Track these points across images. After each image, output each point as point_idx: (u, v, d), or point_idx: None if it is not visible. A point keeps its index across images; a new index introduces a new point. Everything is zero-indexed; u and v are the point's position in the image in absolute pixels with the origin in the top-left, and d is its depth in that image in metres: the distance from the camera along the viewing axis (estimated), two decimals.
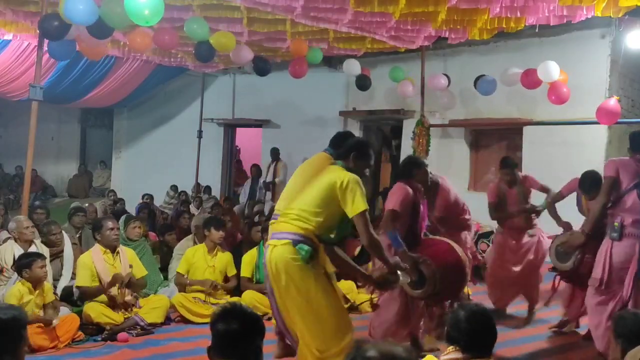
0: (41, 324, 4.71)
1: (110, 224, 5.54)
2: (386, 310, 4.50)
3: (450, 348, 2.78)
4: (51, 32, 5.83)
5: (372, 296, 4.44)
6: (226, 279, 6.13)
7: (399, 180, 4.57)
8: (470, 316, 2.80)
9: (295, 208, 3.62)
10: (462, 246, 4.91)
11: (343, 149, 3.86)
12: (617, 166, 4.38)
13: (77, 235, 6.57)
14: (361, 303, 6.01)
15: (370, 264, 4.73)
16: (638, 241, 4.25)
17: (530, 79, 7.68)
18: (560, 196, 5.68)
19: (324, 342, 3.49)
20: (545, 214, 5.83)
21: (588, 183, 5.08)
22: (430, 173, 4.99)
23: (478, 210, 8.35)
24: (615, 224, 4.30)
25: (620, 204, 4.32)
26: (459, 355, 2.74)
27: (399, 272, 3.80)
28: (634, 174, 4.31)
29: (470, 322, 2.77)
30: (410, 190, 4.43)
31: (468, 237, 5.57)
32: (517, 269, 5.72)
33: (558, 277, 5.16)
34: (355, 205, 3.50)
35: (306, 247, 3.47)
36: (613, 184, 4.34)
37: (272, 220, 4.22)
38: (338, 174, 3.59)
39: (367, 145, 3.92)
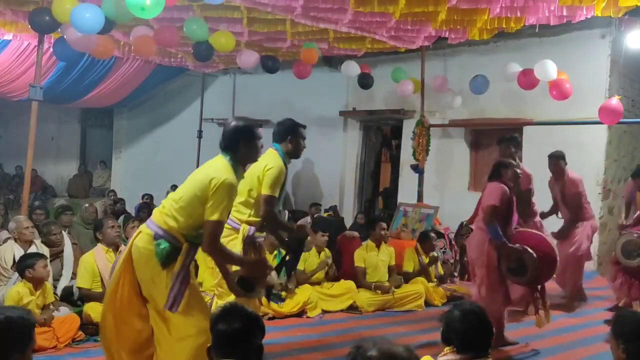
0: (39, 325, 4.70)
1: (110, 222, 5.61)
2: (492, 298, 4.86)
3: (447, 349, 2.77)
4: (41, 26, 5.82)
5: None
6: None
7: (491, 181, 5.05)
8: (464, 315, 2.79)
9: (170, 201, 3.47)
10: (540, 230, 5.73)
11: (279, 132, 4.03)
12: None
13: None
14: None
15: None
16: None
17: (527, 79, 7.69)
18: (627, 206, 6.62)
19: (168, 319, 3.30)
20: None
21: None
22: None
23: None
24: None
25: None
26: (455, 356, 2.72)
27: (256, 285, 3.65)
28: None
29: (464, 322, 2.76)
30: (507, 188, 4.93)
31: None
32: None
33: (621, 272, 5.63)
34: (211, 211, 3.27)
35: (163, 245, 3.31)
36: None
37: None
38: (215, 171, 3.33)
39: (298, 125, 4.19)
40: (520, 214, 5.57)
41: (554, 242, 5.23)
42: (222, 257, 3.56)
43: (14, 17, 6.82)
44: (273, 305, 5.89)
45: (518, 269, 4.86)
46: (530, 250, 4.79)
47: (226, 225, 3.86)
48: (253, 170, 4.15)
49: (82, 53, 7.43)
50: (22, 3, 6.59)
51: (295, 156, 4.45)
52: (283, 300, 6.02)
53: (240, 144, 3.46)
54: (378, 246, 6.75)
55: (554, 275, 6.03)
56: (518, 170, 5.15)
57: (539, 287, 5.05)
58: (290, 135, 4.34)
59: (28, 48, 8.76)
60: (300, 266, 6.41)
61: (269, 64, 8.18)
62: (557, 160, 6.55)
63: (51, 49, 7.38)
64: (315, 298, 6.13)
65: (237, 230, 4.13)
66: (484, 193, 5.12)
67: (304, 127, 4.44)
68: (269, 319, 5.70)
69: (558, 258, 5.04)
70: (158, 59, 9.79)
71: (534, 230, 5.36)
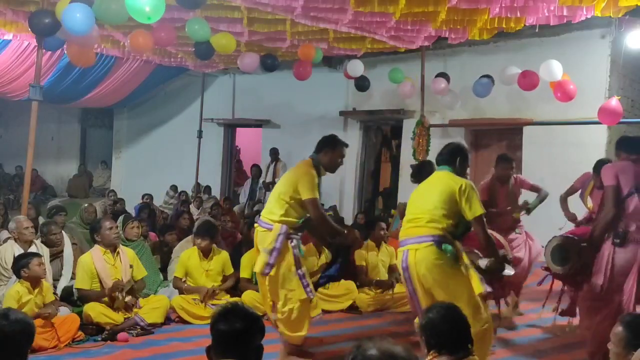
0: (42, 321, 4.71)
1: (108, 223, 5.54)
2: None
3: (432, 353, 2.73)
4: (41, 29, 5.80)
5: None
6: (224, 278, 6.12)
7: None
8: (445, 316, 2.77)
9: (422, 214, 3.96)
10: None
11: (447, 155, 4.24)
12: (616, 173, 4.26)
13: None
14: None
15: None
16: None
17: (527, 80, 7.69)
18: (573, 189, 6.13)
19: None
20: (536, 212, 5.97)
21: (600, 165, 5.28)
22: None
23: None
24: (619, 230, 4.18)
25: (622, 210, 4.20)
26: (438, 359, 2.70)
27: (506, 265, 4.19)
28: (633, 178, 4.21)
29: (447, 322, 2.74)
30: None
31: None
32: None
33: (553, 278, 5.07)
34: (473, 209, 3.91)
35: (450, 247, 3.85)
36: (617, 192, 4.21)
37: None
38: (453, 180, 4.00)
39: (465, 149, 4.39)
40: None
41: (504, 240, 4.95)
42: (490, 248, 4.06)
43: (14, 17, 6.82)
44: None
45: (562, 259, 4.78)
46: (476, 251, 4.61)
47: (262, 229, 4.51)
48: (286, 177, 4.68)
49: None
50: (22, 3, 6.59)
51: (329, 170, 4.74)
52: None
53: (458, 160, 4.15)
54: (378, 246, 6.75)
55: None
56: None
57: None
58: (327, 148, 4.70)
59: (28, 48, 8.76)
60: None
61: (268, 63, 8.18)
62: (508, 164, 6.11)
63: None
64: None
65: (270, 230, 4.46)
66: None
67: (346, 145, 4.83)
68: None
69: (510, 255, 4.86)
70: (158, 59, 9.79)
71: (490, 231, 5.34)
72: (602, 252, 4.26)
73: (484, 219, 3.97)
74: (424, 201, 4.05)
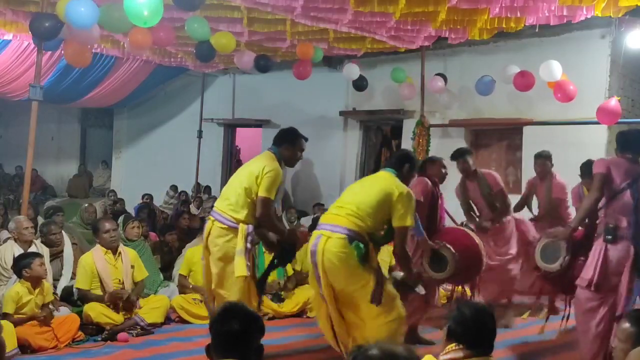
0: (38, 322, 4.72)
1: (107, 225, 5.49)
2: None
3: (451, 346, 2.76)
4: (42, 32, 5.79)
5: None
6: None
7: (418, 175, 4.99)
8: (476, 314, 2.78)
9: (351, 205, 3.89)
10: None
11: (395, 159, 4.27)
12: (609, 164, 4.21)
13: None
14: None
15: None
16: (632, 244, 4.07)
17: (524, 80, 7.70)
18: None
19: (373, 313, 3.86)
20: None
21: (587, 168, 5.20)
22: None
23: None
24: (610, 225, 4.11)
25: (614, 205, 4.14)
26: (460, 354, 2.72)
27: (418, 283, 4.26)
28: (625, 173, 4.14)
29: (476, 320, 2.75)
30: (429, 183, 4.93)
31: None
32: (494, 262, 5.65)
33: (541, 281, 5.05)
34: (402, 218, 3.88)
35: (361, 245, 3.78)
36: (604, 180, 4.14)
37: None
38: (395, 185, 3.96)
39: (415, 160, 4.41)
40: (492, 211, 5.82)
41: (478, 239, 4.97)
42: (405, 262, 4.11)
43: (14, 17, 6.82)
44: (273, 305, 5.89)
45: (439, 265, 4.77)
46: (449, 246, 4.71)
47: (221, 225, 4.21)
48: (249, 170, 4.28)
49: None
50: (23, 3, 6.59)
51: (288, 164, 4.55)
52: (283, 300, 6.02)
53: (405, 167, 4.18)
54: None
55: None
56: (444, 170, 5.19)
57: (458, 284, 5.14)
58: (287, 144, 4.44)
59: (28, 48, 8.76)
60: (297, 267, 6.42)
61: (261, 64, 8.15)
62: (544, 160, 6.49)
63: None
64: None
65: (234, 229, 4.19)
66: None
67: (306, 139, 4.57)
68: (269, 319, 5.71)
69: (484, 253, 4.89)
70: (158, 59, 9.79)
71: (459, 227, 5.35)
72: (594, 248, 4.19)
73: (407, 233, 4.00)
74: (358, 194, 4.00)
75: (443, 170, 5.17)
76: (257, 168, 4.22)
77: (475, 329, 2.73)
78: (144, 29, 6.69)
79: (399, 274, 4.11)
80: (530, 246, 5.37)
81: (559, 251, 4.45)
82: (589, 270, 4.15)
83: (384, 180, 4.04)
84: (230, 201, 4.23)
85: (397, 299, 3.95)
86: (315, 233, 3.97)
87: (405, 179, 4.17)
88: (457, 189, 6.05)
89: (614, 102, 6.96)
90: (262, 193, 4.16)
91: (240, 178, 4.29)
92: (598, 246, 4.17)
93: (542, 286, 5.27)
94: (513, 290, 5.89)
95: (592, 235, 4.31)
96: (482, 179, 5.87)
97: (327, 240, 3.81)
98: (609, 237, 4.10)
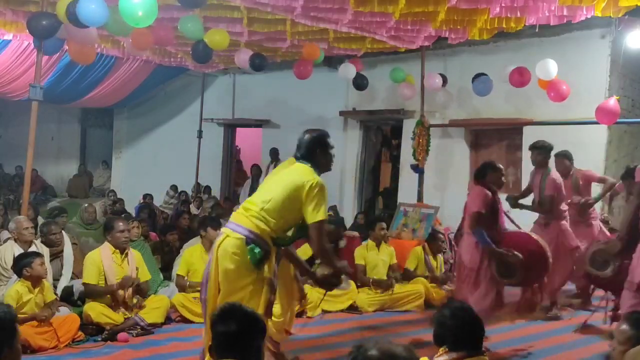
0: (39, 322, 4.71)
1: (121, 225, 5.46)
2: (476, 293, 4.94)
3: (441, 350, 2.78)
4: (40, 31, 5.78)
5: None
6: None
7: (476, 183, 5.10)
8: (454, 313, 2.82)
9: (257, 204, 3.61)
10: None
11: (305, 148, 3.79)
12: None
13: None
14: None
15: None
16: None
17: (520, 77, 7.71)
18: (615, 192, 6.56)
19: None
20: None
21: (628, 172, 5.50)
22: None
23: None
24: None
25: None
26: (449, 356, 2.74)
27: (342, 277, 4.02)
28: None
29: (455, 319, 2.78)
30: (489, 193, 4.95)
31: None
32: None
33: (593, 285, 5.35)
34: (315, 213, 3.54)
35: (257, 250, 3.51)
36: None
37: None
38: (306, 176, 3.60)
39: (327, 138, 3.91)
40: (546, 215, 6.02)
41: (542, 239, 5.10)
42: (327, 257, 3.78)
43: (14, 17, 6.82)
44: None
45: (509, 272, 4.88)
46: (515, 252, 4.79)
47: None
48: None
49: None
50: (22, 3, 6.59)
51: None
52: None
53: (316, 153, 3.76)
54: (378, 246, 6.76)
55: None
56: (503, 178, 5.22)
57: (530, 287, 5.12)
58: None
59: (28, 48, 8.76)
60: None
61: (256, 62, 8.14)
62: (561, 159, 6.60)
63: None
64: (315, 298, 6.12)
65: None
66: (468, 198, 5.22)
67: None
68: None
69: (549, 254, 4.99)
70: (158, 59, 9.79)
71: (521, 230, 5.36)
72: (638, 249, 4.28)
73: (323, 226, 3.61)
74: (267, 192, 3.68)
75: (503, 178, 5.22)
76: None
77: (456, 329, 2.75)
78: (146, 30, 6.71)
79: (321, 270, 3.91)
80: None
81: (608, 258, 4.74)
82: (636, 272, 4.20)
83: (293, 173, 3.68)
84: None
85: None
86: (221, 230, 3.84)
87: (320, 165, 3.81)
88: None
89: (612, 102, 6.96)
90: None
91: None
92: None
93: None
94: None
95: (637, 239, 4.39)
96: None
97: (225, 239, 3.60)
98: None
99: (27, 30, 6.01)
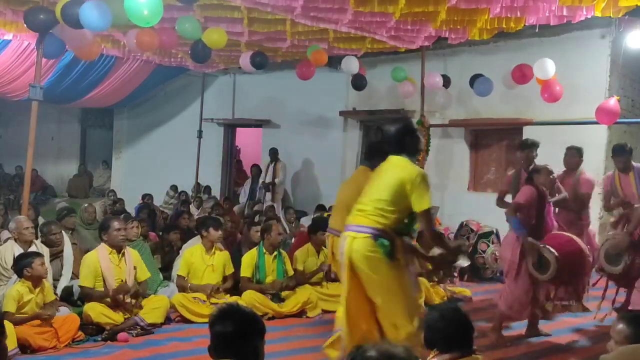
0: (40, 321, 4.72)
1: (117, 224, 5.48)
2: (516, 286, 5.11)
3: (432, 353, 2.78)
4: (37, 25, 5.77)
5: None
6: (223, 278, 6.13)
7: (526, 183, 5.27)
8: (443, 314, 2.82)
9: (371, 203, 3.85)
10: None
11: (394, 140, 4.04)
12: None
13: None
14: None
15: None
16: None
17: (522, 74, 7.71)
18: (609, 194, 6.19)
19: (400, 319, 3.78)
20: None
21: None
22: None
23: (478, 210, 8.39)
24: None
25: None
26: (440, 358, 2.73)
27: (459, 255, 4.29)
28: None
29: (444, 320, 2.78)
30: (536, 190, 5.10)
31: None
32: None
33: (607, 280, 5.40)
34: (421, 202, 3.78)
35: (386, 243, 3.75)
36: None
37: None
38: (407, 169, 3.85)
39: (410, 124, 4.18)
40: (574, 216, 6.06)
41: (583, 244, 5.15)
42: (440, 239, 4.02)
43: (14, 17, 6.83)
44: (273, 305, 5.89)
45: (542, 266, 4.96)
46: (551, 249, 4.87)
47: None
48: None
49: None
50: (22, 3, 6.59)
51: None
52: (283, 300, 6.02)
53: (406, 141, 3.98)
54: None
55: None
56: (551, 176, 5.29)
57: (563, 286, 5.17)
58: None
59: (28, 48, 8.76)
60: (299, 266, 6.42)
61: (257, 60, 8.14)
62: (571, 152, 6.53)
63: None
64: (315, 298, 6.13)
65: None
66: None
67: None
68: (269, 319, 5.70)
69: (589, 258, 5.07)
70: (158, 58, 9.80)
71: (566, 233, 5.38)
72: None
73: (429, 215, 3.87)
74: (373, 189, 3.94)
75: (550, 177, 5.29)
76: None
77: (446, 331, 2.75)
78: (151, 31, 6.71)
79: (436, 251, 4.06)
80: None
81: (621, 254, 4.86)
82: None
83: (395, 168, 3.91)
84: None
85: (417, 297, 3.98)
86: (343, 234, 4.00)
87: (414, 151, 4.04)
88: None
89: (612, 102, 6.95)
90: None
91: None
92: None
93: None
94: None
95: None
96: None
97: (353, 241, 3.83)
98: None
99: (25, 26, 5.99)
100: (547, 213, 5.24)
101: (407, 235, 3.94)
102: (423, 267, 4.28)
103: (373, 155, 4.85)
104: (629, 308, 5.06)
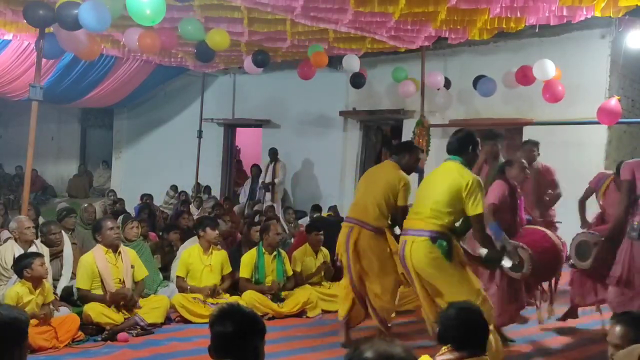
0: (39, 322, 4.71)
1: (109, 223, 5.51)
2: (491, 289, 4.98)
3: (444, 348, 2.78)
4: (36, 20, 5.76)
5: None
6: (222, 278, 6.13)
7: (497, 179, 5.14)
8: (460, 313, 2.82)
9: (427, 207, 4.09)
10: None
11: (457, 144, 4.22)
12: (633, 168, 4.45)
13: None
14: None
15: None
16: None
17: (525, 76, 7.71)
18: (590, 191, 6.20)
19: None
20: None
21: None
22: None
23: None
24: (635, 223, 4.33)
25: (636, 204, 4.36)
26: (452, 355, 2.74)
27: (505, 255, 4.44)
28: None
29: (460, 319, 2.79)
30: (508, 186, 5.00)
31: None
32: None
33: (575, 272, 5.32)
34: (475, 207, 4.01)
35: (444, 243, 3.98)
36: (631, 187, 4.41)
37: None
38: (462, 176, 4.05)
39: (476, 137, 4.29)
40: (537, 205, 5.98)
41: (557, 239, 5.06)
42: (489, 242, 4.26)
43: (14, 17, 6.82)
44: (273, 305, 5.89)
45: (517, 265, 4.81)
46: (525, 246, 4.76)
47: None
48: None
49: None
50: (22, 3, 6.58)
51: (408, 172, 5.02)
52: (283, 300, 6.02)
53: (470, 149, 4.19)
54: None
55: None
56: (523, 172, 5.16)
57: (538, 283, 5.12)
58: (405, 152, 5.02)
59: (28, 48, 8.76)
60: (297, 268, 6.42)
61: (259, 58, 8.15)
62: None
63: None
64: (315, 298, 6.13)
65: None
66: (487, 192, 5.18)
67: (422, 150, 4.93)
68: (269, 319, 5.70)
69: (562, 254, 5.02)
70: (158, 59, 9.80)
71: (539, 227, 5.31)
72: (621, 246, 4.41)
73: (482, 219, 4.10)
74: (429, 193, 4.16)
75: (522, 173, 5.20)
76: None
77: (462, 329, 2.75)
78: (152, 33, 6.71)
79: (483, 251, 4.25)
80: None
81: (590, 249, 4.79)
82: (617, 267, 4.39)
83: (450, 174, 4.11)
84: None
85: (476, 283, 4.15)
86: (401, 239, 4.26)
87: (471, 161, 4.25)
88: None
89: (614, 102, 6.95)
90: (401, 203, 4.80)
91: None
92: (625, 244, 4.40)
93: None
94: None
95: (623, 234, 4.47)
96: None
97: (412, 244, 4.06)
98: (634, 234, 4.32)
99: (33, 31, 5.99)
100: (519, 208, 5.12)
101: (461, 235, 4.22)
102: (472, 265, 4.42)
103: (402, 151, 5.05)
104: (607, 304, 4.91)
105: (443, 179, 4.13)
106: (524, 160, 5.27)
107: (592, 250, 4.80)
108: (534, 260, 4.74)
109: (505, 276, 4.90)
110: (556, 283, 5.25)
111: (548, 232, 5.13)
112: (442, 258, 3.99)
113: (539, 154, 6.35)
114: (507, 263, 4.48)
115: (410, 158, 4.95)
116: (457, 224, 4.20)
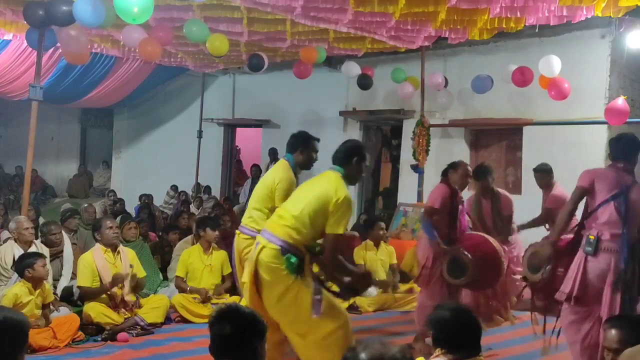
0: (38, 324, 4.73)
1: (108, 222, 5.58)
2: (430, 296, 4.89)
3: (438, 351, 2.76)
4: (36, 20, 5.76)
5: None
6: (222, 278, 6.13)
7: (440, 181, 5.05)
8: (453, 314, 2.80)
9: (290, 212, 3.66)
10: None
11: (342, 153, 3.84)
12: (593, 177, 4.11)
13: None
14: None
15: None
16: (614, 257, 3.89)
17: (522, 77, 7.71)
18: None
19: (305, 325, 3.60)
20: None
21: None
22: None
23: None
24: (591, 237, 3.97)
25: (596, 217, 4.03)
26: (446, 357, 2.71)
27: (369, 285, 4.11)
28: (612, 185, 4.01)
29: (454, 320, 2.76)
30: (449, 190, 4.90)
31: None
32: None
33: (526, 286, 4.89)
34: (335, 226, 3.59)
35: (294, 259, 3.54)
36: (583, 194, 4.11)
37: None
38: (335, 189, 3.64)
39: (363, 148, 3.99)
40: (500, 233, 5.70)
41: (498, 245, 4.98)
42: (338, 266, 3.74)
43: (14, 17, 6.82)
44: None
45: (458, 272, 4.75)
46: (465, 252, 4.68)
47: (243, 236, 4.38)
48: (267, 181, 4.53)
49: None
50: (22, 3, 6.58)
51: (305, 167, 4.75)
52: None
53: (353, 160, 3.80)
54: (377, 245, 6.76)
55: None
56: (467, 178, 5.13)
57: (480, 290, 5.09)
58: (302, 147, 4.71)
59: (28, 48, 8.73)
60: None
61: (254, 62, 8.16)
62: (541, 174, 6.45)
63: (51, 49, 7.37)
64: None
65: (254, 238, 4.09)
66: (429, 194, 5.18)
67: (318, 140, 4.76)
68: None
69: (503, 260, 4.89)
70: (158, 59, 9.78)
71: (479, 233, 5.24)
72: (575, 260, 4.06)
73: (338, 241, 3.63)
74: (297, 201, 3.73)
75: (466, 178, 5.11)
76: (272, 179, 4.48)
77: (455, 331, 2.73)
78: (153, 41, 6.71)
79: (345, 279, 3.86)
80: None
81: (541, 262, 4.29)
82: (568, 283, 4.02)
83: (326, 184, 3.71)
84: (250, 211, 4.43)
85: (337, 304, 3.78)
86: (258, 237, 3.82)
87: (354, 173, 3.85)
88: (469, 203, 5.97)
89: (621, 102, 6.92)
90: (278, 203, 4.27)
91: (261, 191, 4.53)
92: (578, 258, 4.04)
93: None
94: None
95: (578, 247, 4.14)
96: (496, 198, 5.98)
97: (262, 249, 3.62)
98: (589, 249, 3.97)
99: (25, 22, 5.97)
100: (461, 212, 5.02)
101: (315, 255, 3.70)
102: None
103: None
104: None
105: (316, 187, 3.72)
106: (469, 168, 5.22)
107: (544, 262, 4.26)
108: (474, 266, 4.64)
109: (442, 280, 4.84)
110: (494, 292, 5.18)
111: (489, 237, 5.02)
112: (285, 273, 3.53)
113: (493, 180, 6.24)
114: (372, 292, 4.19)
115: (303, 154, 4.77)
116: (319, 241, 3.71)
